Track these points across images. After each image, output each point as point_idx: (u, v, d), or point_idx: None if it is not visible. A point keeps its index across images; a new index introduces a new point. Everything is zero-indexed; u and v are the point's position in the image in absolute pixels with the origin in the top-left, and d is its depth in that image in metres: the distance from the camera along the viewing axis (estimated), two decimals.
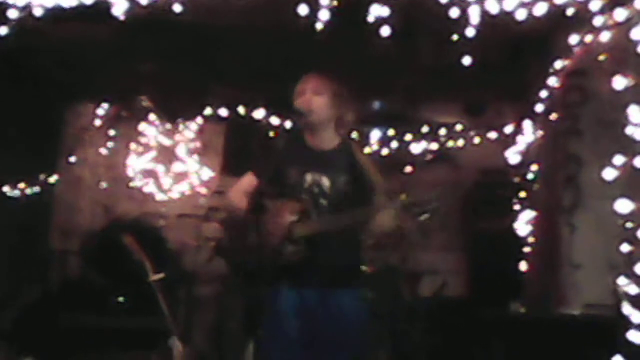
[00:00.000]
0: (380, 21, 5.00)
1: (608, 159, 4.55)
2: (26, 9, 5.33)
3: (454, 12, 4.95)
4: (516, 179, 6.90)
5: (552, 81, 5.79)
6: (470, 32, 5.00)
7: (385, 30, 5.03)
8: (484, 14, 4.92)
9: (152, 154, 8.63)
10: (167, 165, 8.63)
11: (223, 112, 8.04)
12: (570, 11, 4.92)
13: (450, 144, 8.14)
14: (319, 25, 5.06)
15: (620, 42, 4.73)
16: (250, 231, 3.52)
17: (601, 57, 5.00)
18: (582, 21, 5.02)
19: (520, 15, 4.91)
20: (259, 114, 7.84)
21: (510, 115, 7.65)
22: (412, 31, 5.49)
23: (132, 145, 8.62)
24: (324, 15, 5.03)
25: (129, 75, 7.29)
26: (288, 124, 7.45)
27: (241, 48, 6.33)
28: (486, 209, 7.94)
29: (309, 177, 3.59)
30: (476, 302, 6.90)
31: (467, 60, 5.31)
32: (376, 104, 8.16)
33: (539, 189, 6.36)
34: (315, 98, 3.60)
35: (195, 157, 8.73)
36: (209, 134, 8.81)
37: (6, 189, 7.41)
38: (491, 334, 5.22)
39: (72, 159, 8.34)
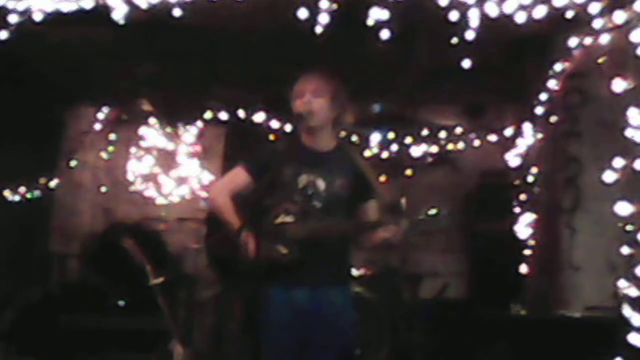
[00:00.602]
0: (380, 24, 5.00)
1: (608, 162, 4.55)
2: (26, 13, 5.34)
3: (454, 15, 4.96)
4: (516, 182, 6.90)
5: (552, 84, 5.80)
6: (470, 35, 5.00)
7: (385, 34, 5.03)
8: (484, 16, 4.92)
9: (153, 157, 8.64)
10: (168, 169, 8.64)
11: (223, 115, 8.04)
12: (569, 14, 4.93)
13: (450, 146, 8.14)
14: (318, 29, 5.06)
15: (619, 44, 4.74)
16: (241, 232, 3.48)
17: (601, 60, 5.00)
18: (582, 24, 5.02)
19: (520, 18, 4.91)
20: (259, 117, 7.84)
21: (510, 117, 7.65)
22: (411, 34, 5.49)
23: (133, 149, 8.63)
24: (323, 18, 5.03)
25: (129, 78, 7.30)
26: (288, 127, 7.45)
27: (241, 51, 6.33)
28: (487, 212, 7.94)
29: (304, 178, 3.55)
30: (477, 304, 6.91)
31: (467, 63, 5.32)
32: (376, 107, 8.16)
33: (539, 192, 6.36)
34: (315, 100, 3.58)
35: (196, 160, 8.73)
36: (209, 138, 8.82)
37: (7, 192, 7.42)
38: (492, 336, 5.22)
39: (73, 162, 8.34)
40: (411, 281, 6.95)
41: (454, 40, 5.10)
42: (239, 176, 3.69)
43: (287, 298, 3.48)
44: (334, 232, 3.48)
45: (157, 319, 4.89)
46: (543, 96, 6.00)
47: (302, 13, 5.02)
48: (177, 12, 5.18)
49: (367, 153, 7.75)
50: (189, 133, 8.69)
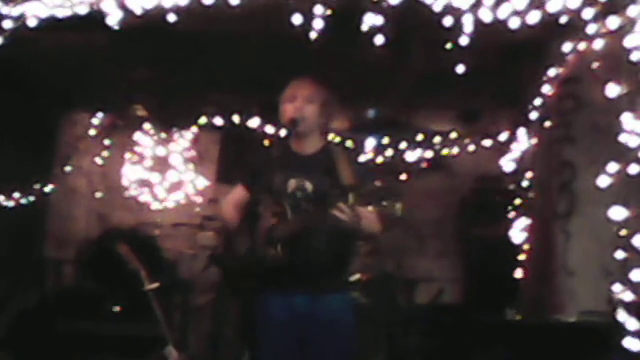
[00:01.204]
0: (374, 30, 5.01)
1: (602, 166, 4.56)
2: (20, 19, 5.34)
3: (448, 21, 4.96)
4: (511, 187, 6.90)
5: (546, 89, 5.80)
6: (464, 40, 5.01)
7: (379, 39, 5.04)
8: (478, 22, 4.93)
9: (147, 163, 8.64)
10: (162, 174, 8.64)
11: (218, 121, 8.03)
12: (563, 19, 4.93)
13: (445, 151, 8.14)
14: (313, 34, 5.07)
15: (613, 49, 4.75)
16: (242, 240, 3.54)
17: (594, 65, 5.01)
18: (576, 29, 5.03)
19: (514, 23, 4.92)
20: (253, 122, 7.84)
21: (504, 122, 7.66)
22: (406, 39, 5.50)
23: (127, 155, 8.64)
24: (318, 24, 5.04)
25: (124, 84, 7.29)
26: (283, 133, 7.45)
27: (236, 57, 6.33)
28: (481, 216, 7.96)
29: (292, 182, 3.60)
30: (471, 309, 6.91)
31: (461, 68, 5.32)
32: (371, 112, 8.17)
33: (533, 196, 6.37)
34: (307, 106, 3.61)
35: (191, 166, 8.74)
36: (204, 143, 8.83)
37: (1, 198, 7.40)
38: (487, 341, 5.22)
39: (67, 168, 8.32)
40: (406, 286, 6.96)
41: (448, 45, 5.10)
42: (239, 193, 3.81)
43: (286, 304, 3.49)
44: (312, 225, 3.49)
45: (152, 325, 4.88)
46: (537, 101, 6.00)
47: (297, 19, 5.02)
48: (171, 18, 5.17)
49: (361, 158, 7.74)
50: (184, 138, 8.70)
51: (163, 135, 8.63)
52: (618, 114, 4.44)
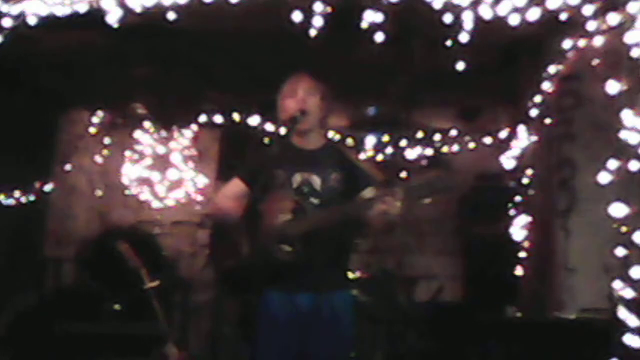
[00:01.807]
0: (374, 27, 5.00)
1: (602, 163, 4.55)
2: (20, 17, 5.33)
3: (448, 18, 4.96)
4: (511, 184, 6.91)
5: (546, 86, 5.80)
6: (464, 37, 5.01)
7: (379, 36, 5.03)
8: (478, 19, 4.92)
9: (147, 161, 8.63)
10: (162, 173, 8.63)
11: (218, 118, 8.04)
12: (563, 16, 4.93)
13: (445, 149, 8.14)
14: (313, 32, 5.06)
15: (613, 46, 4.74)
16: (242, 236, 3.52)
17: (595, 62, 5.01)
18: (576, 26, 5.02)
19: (514, 20, 4.92)
20: (253, 120, 7.85)
21: (504, 120, 7.67)
22: (405, 37, 5.50)
23: (127, 153, 8.62)
24: (317, 21, 5.03)
25: (124, 82, 7.29)
26: (283, 130, 7.44)
27: (235, 55, 6.33)
28: (482, 214, 7.96)
29: (298, 177, 3.56)
30: (472, 306, 6.91)
31: (461, 66, 5.32)
32: (371, 110, 8.17)
33: (533, 194, 6.37)
34: (308, 99, 3.60)
35: (191, 164, 8.73)
36: (204, 141, 8.82)
37: (1, 197, 7.40)
38: (487, 338, 5.23)
39: (67, 166, 8.33)
40: (406, 284, 6.96)
41: (448, 43, 5.10)
42: (236, 186, 3.75)
43: (288, 302, 3.48)
44: (334, 219, 3.42)
45: (152, 323, 4.88)
46: (537, 98, 6.01)
47: (297, 16, 5.02)
48: (171, 16, 5.17)
49: (362, 156, 7.74)
50: (184, 136, 8.69)
51: (163, 133, 8.62)
52: (618, 111, 4.44)
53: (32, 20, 5.35)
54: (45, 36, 5.80)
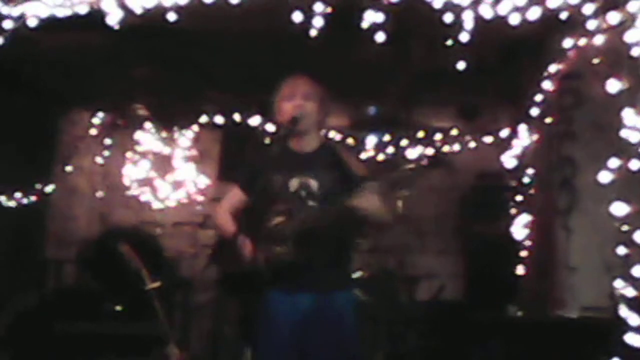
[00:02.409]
0: (375, 27, 5.00)
1: (603, 162, 4.55)
2: (20, 19, 5.33)
3: (448, 17, 4.96)
4: (512, 183, 6.91)
5: (547, 85, 5.80)
6: (464, 36, 5.00)
7: (379, 36, 5.03)
8: (478, 18, 4.92)
9: (148, 162, 8.63)
10: (163, 173, 8.63)
11: (219, 119, 8.04)
12: (564, 15, 4.93)
13: (446, 148, 8.14)
14: (313, 32, 5.06)
15: (614, 45, 4.74)
16: (242, 241, 3.54)
17: (595, 61, 5.00)
18: (576, 25, 5.02)
19: (514, 19, 4.92)
20: (254, 120, 7.85)
21: (505, 119, 7.66)
22: (406, 37, 5.50)
23: (128, 154, 8.63)
24: (318, 21, 5.03)
25: (124, 83, 7.29)
26: (279, 132, 7.44)
27: (236, 55, 6.33)
28: (483, 213, 7.95)
29: (295, 182, 3.56)
30: (473, 306, 6.91)
31: (461, 65, 5.32)
32: (371, 110, 8.16)
33: (534, 193, 6.37)
34: (306, 103, 3.60)
35: (192, 164, 8.73)
36: (204, 142, 8.82)
37: (2, 198, 7.41)
38: (488, 337, 5.23)
39: (68, 167, 8.33)
40: (407, 283, 6.95)
41: (449, 42, 5.10)
42: (235, 195, 3.79)
43: (289, 303, 3.48)
44: (322, 221, 3.44)
45: (153, 324, 4.87)
46: (538, 97, 6.00)
47: (297, 16, 5.02)
48: (171, 17, 5.17)
49: (362, 155, 7.74)
50: (185, 137, 8.69)
51: (164, 134, 8.62)
52: (619, 110, 4.44)
53: (32, 22, 5.36)
54: (46, 38, 5.80)
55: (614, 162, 4.48)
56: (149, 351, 5.58)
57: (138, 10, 5.18)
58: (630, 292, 4.28)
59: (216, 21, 5.45)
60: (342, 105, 7.49)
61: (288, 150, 3.69)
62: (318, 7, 5.01)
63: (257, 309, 3.58)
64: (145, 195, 8.59)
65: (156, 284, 5.02)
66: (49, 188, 8.14)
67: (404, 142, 8.03)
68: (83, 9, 5.27)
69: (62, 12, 5.32)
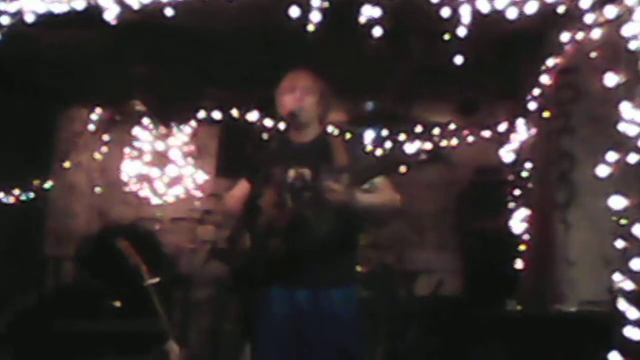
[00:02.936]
0: (372, 22, 5.00)
1: (601, 156, 4.55)
2: (18, 15, 5.33)
3: (445, 12, 4.95)
4: (510, 177, 6.91)
5: (545, 79, 5.80)
6: (461, 31, 5.00)
7: (377, 31, 5.03)
8: (475, 13, 4.92)
9: (147, 158, 8.63)
10: (162, 169, 8.63)
11: (217, 115, 8.04)
12: (561, 9, 4.93)
13: (444, 143, 8.14)
14: (310, 27, 5.06)
15: (611, 39, 4.74)
16: (244, 234, 3.54)
17: (593, 55, 5.00)
18: (573, 19, 5.02)
19: (512, 13, 4.91)
20: (252, 116, 7.84)
21: (503, 113, 7.66)
22: (403, 31, 5.50)
23: (126, 150, 8.63)
24: (315, 16, 5.03)
25: (122, 79, 7.28)
26: (282, 126, 7.45)
27: (234, 50, 6.33)
28: (481, 208, 7.95)
29: (291, 172, 3.56)
30: (472, 301, 6.91)
31: (459, 60, 5.31)
32: (369, 105, 8.16)
33: (533, 187, 6.37)
34: (306, 97, 3.61)
35: (190, 160, 8.73)
36: (203, 137, 8.82)
37: (0, 194, 7.40)
38: (487, 332, 5.23)
39: (66, 164, 8.33)
40: (406, 278, 6.96)
41: (446, 36, 5.09)
42: (244, 188, 3.76)
43: (288, 299, 3.48)
44: (309, 208, 3.44)
45: (152, 320, 4.87)
46: (536, 92, 6.01)
47: (294, 11, 5.02)
48: (169, 12, 5.16)
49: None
50: (183, 133, 8.69)
51: (162, 130, 8.62)
52: (617, 104, 4.43)
53: (30, 18, 5.35)
54: (44, 34, 5.79)
55: (612, 156, 4.48)
56: (149, 348, 5.58)
57: (135, 6, 5.18)
58: (628, 285, 4.28)
59: (214, 17, 5.45)
60: (339, 101, 7.48)
61: (289, 142, 3.72)
62: (315, 2, 5.00)
63: (256, 305, 3.58)
64: (144, 191, 8.59)
65: (155, 280, 5.02)
66: (48, 185, 8.14)
67: (402, 137, 8.03)
68: (80, 5, 5.26)
69: (59, 8, 5.31)
